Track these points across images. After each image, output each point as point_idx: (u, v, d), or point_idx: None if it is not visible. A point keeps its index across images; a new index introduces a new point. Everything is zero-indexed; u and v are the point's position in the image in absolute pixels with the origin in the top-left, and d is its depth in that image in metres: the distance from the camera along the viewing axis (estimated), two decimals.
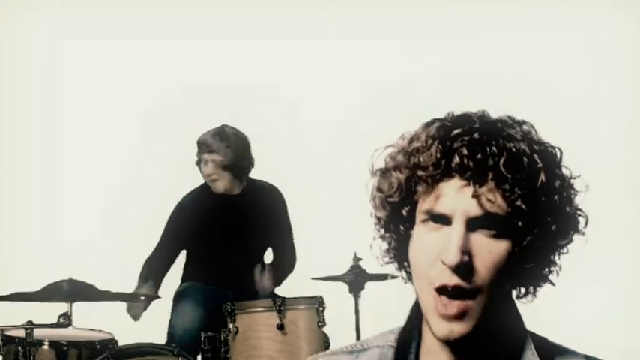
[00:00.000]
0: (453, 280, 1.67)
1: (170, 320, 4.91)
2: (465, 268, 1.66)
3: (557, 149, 1.74)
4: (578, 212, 1.74)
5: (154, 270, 4.98)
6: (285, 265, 5.13)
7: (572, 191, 1.73)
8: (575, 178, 1.74)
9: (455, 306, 1.68)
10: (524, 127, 1.73)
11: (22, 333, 4.19)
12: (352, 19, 6.26)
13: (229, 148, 4.94)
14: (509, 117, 1.74)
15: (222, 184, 4.98)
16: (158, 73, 6.20)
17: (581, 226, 1.74)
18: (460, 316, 1.68)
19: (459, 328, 1.69)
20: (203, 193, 5.04)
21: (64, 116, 6.25)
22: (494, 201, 1.66)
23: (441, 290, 1.68)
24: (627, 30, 6.13)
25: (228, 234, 4.98)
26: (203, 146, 4.97)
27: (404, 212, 1.75)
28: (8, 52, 6.26)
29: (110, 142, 6.23)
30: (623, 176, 5.91)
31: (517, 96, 5.46)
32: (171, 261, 5.07)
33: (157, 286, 4.98)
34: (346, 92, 6.25)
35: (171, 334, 4.82)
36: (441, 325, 1.69)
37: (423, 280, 1.71)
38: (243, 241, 4.97)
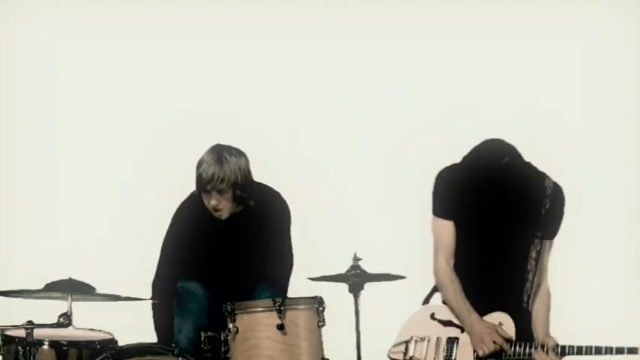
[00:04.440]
0: None
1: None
2: None
3: None
4: None
5: (165, 291, 4.84)
6: (281, 273, 4.96)
7: None
8: None
9: None
10: None
11: (22, 333, 4.19)
12: (349, 22, 6.27)
13: (232, 178, 4.68)
14: None
15: (227, 212, 4.83)
16: (158, 73, 6.21)
17: None
18: None
19: None
20: (199, 205, 4.83)
21: (64, 116, 6.25)
22: None
23: None
24: (626, 32, 6.14)
25: (227, 247, 4.88)
26: (209, 182, 4.68)
27: None
28: (8, 52, 6.26)
29: (110, 142, 6.23)
30: (622, 177, 5.90)
31: (516, 99, 5.47)
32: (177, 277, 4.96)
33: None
34: (347, 95, 6.26)
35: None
36: None
37: None
38: (242, 252, 4.88)
